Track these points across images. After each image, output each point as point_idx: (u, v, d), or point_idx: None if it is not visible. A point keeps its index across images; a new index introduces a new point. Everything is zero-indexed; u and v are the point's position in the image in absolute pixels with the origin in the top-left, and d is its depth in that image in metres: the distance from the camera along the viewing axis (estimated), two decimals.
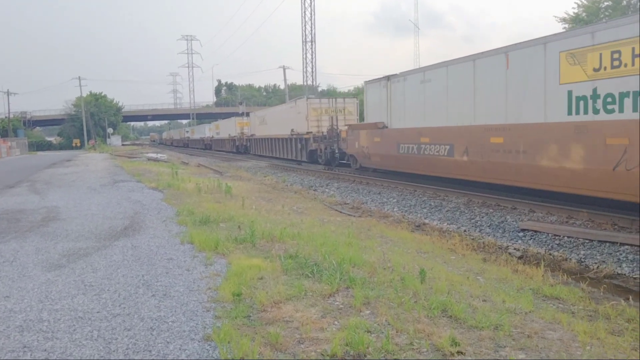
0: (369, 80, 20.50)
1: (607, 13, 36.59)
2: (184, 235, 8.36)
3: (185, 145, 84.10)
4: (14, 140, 66.60)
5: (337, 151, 25.08)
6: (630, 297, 6.41)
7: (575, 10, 39.79)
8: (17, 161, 42.65)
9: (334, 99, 30.12)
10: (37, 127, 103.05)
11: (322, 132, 26.97)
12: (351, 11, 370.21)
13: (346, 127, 23.37)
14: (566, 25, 40.37)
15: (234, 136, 49.11)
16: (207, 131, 66.68)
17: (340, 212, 13.59)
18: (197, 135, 74.32)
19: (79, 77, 75.73)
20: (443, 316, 4.69)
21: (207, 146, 65.66)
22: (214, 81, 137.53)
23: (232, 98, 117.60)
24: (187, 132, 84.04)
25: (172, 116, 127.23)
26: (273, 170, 28.61)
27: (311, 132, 28.25)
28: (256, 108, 79.17)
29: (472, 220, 11.82)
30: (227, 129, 53.19)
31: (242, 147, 47.29)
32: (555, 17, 41.66)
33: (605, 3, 38.17)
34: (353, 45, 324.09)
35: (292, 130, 30.48)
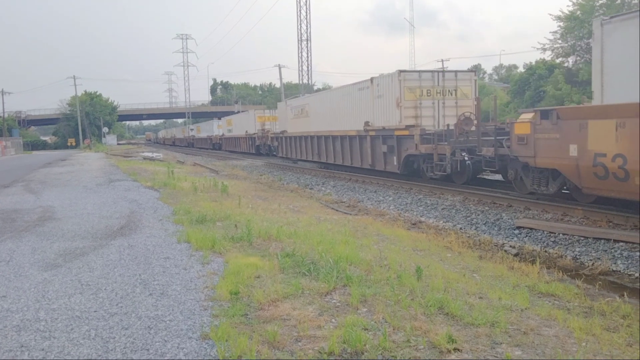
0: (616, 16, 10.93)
1: (601, 11, 36.68)
2: (180, 234, 8.36)
3: (189, 144, 75.59)
4: (9, 139, 66.29)
5: (467, 158, 15.42)
6: (625, 293, 6.44)
7: (570, 8, 39.86)
8: (12, 161, 42.48)
9: (439, 74, 18.50)
10: (32, 127, 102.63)
11: (445, 125, 16.51)
12: (346, 9, 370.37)
13: (524, 117, 11.88)
14: (561, 24, 40.47)
15: (253, 134, 40.29)
16: (215, 128, 57.88)
17: (337, 210, 13.61)
18: (203, 133, 65.54)
19: (74, 76, 75.31)
20: (440, 313, 4.71)
21: (216, 146, 57.32)
22: (210, 80, 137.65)
23: (228, 97, 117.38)
24: (192, 129, 74.91)
25: (167, 115, 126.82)
26: (269, 169, 28.65)
27: (412, 126, 17.18)
28: (252, 107, 78.91)
29: (468, 218, 11.86)
30: (243, 124, 44.02)
31: (265, 148, 38.56)
32: (550, 15, 41.53)
33: (600, 1, 38.25)
34: (347, 44, 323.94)
35: (366, 123, 19.61)
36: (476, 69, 25.16)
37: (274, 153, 35.22)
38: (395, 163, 18.26)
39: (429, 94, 17.84)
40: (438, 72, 18.78)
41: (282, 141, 31.20)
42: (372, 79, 19.46)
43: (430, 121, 17.70)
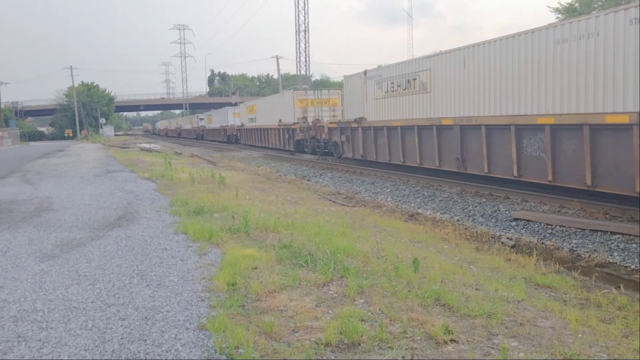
0: None
1: (600, 3, 36.59)
2: (177, 225, 8.35)
3: (198, 136, 65.74)
4: (6, 130, 66.07)
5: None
6: (622, 285, 6.47)
7: (569, 1, 39.74)
8: (9, 151, 42.36)
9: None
10: (29, 117, 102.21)
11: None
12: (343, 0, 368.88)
13: None
14: (559, 16, 40.37)
15: (291, 124, 28.94)
16: (231, 117, 48.83)
17: (334, 202, 13.62)
18: (215, 124, 55.10)
19: (71, 67, 75.07)
20: (436, 305, 4.73)
21: (231, 138, 48.13)
22: (207, 71, 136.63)
23: (225, 88, 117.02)
24: (202, 119, 64.45)
25: (164, 106, 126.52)
26: (267, 160, 28.54)
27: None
28: (249, 98, 78.48)
29: (465, 210, 11.88)
30: (274, 111, 32.31)
31: (312, 144, 26.88)
32: (549, 7, 41.50)
33: None
34: (344, 34, 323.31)
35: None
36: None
37: (329, 152, 24.54)
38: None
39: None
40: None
41: (354, 135, 20.57)
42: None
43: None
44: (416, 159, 16.14)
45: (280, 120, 30.43)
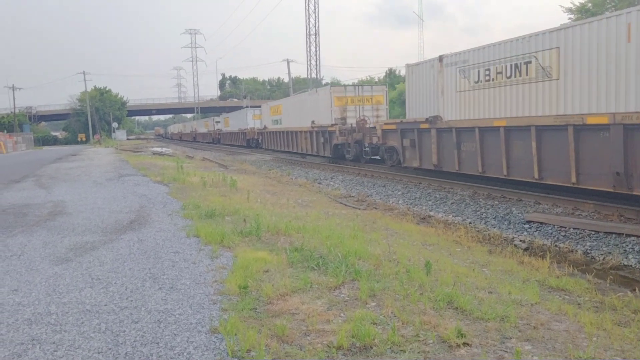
0: None
1: (613, 3, 36.27)
2: (189, 228, 8.38)
3: (214, 140, 61.70)
4: (20, 135, 66.89)
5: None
6: (637, 288, 6.39)
7: (582, 0, 39.43)
8: (23, 156, 42.82)
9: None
10: (43, 122, 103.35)
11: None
12: (353, 2, 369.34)
13: None
14: (572, 16, 40.06)
15: (326, 126, 24.23)
16: (250, 119, 44.95)
17: (345, 205, 13.60)
18: (233, 127, 51.36)
19: (84, 71, 75.59)
20: (449, 308, 4.70)
21: (252, 142, 44.30)
22: (218, 75, 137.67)
23: (236, 91, 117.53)
24: (218, 122, 60.82)
25: (176, 110, 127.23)
26: (278, 163, 28.58)
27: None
28: (261, 101, 78.70)
29: (478, 212, 11.81)
30: (304, 112, 27.98)
31: (354, 148, 22.40)
32: (561, 7, 41.10)
33: None
34: (354, 37, 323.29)
35: None
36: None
37: (381, 158, 20.29)
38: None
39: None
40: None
41: (423, 139, 16.15)
42: None
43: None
44: (532, 171, 11.80)
45: (313, 122, 25.89)
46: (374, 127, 20.54)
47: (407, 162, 17.27)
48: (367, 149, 21.29)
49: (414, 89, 17.15)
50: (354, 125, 22.65)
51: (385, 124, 19.00)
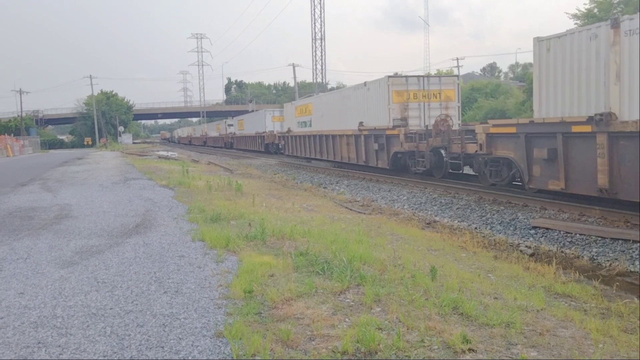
0: None
1: (619, 8, 36.17)
2: (195, 232, 8.40)
3: (227, 145, 57.84)
4: (27, 138, 67.24)
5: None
6: None
7: (588, 6, 39.31)
8: (30, 159, 43.05)
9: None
10: (49, 126, 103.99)
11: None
12: (359, 6, 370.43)
13: None
14: (578, 22, 39.97)
15: (383, 128, 18.70)
16: (269, 122, 40.20)
17: (351, 209, 13.59)
18: (249, 130, 46.61)
19: (90, 75, 76.08)
20: (454, 313, 4.68)
21: (270, 147, 40.02)
22: (224, 79, 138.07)
23: (242, 96, 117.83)
24: (231, 125, 55.70)
25: (182, 114, 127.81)
26: (283, 168, 28.62)
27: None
28: (266, 106, 78.87)
29: (483, 218, 11.77)
30: (346, 111, 22.50)
31: (429, 159, 16.39)
32: (567, 13, 41.09)
33: None
34: (360, 42, 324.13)
35: None
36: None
37: (475, 173, 15.14)
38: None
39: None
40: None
41: (575, 149, 10.70)
42: None
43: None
44: None
45: (361, 123, 20.32)
46: (464, 130, 15.85)
47: (537, 183, 11.87)
48: (445, 160, 16.36)
49: (552, 74, 11.38)
50: (427, 127, 17.18)
51: (495, 125, 13.36)
